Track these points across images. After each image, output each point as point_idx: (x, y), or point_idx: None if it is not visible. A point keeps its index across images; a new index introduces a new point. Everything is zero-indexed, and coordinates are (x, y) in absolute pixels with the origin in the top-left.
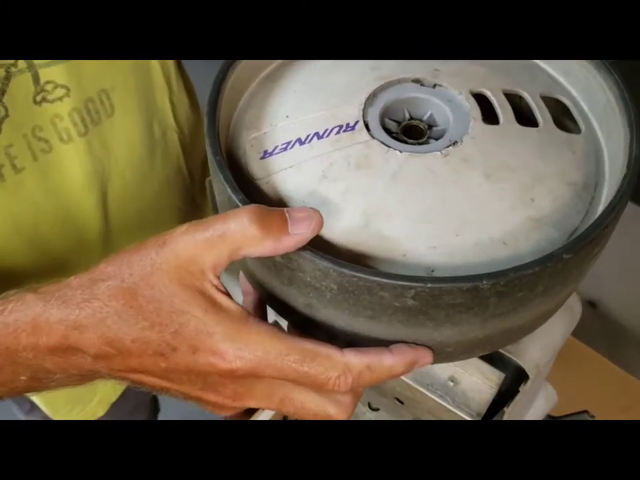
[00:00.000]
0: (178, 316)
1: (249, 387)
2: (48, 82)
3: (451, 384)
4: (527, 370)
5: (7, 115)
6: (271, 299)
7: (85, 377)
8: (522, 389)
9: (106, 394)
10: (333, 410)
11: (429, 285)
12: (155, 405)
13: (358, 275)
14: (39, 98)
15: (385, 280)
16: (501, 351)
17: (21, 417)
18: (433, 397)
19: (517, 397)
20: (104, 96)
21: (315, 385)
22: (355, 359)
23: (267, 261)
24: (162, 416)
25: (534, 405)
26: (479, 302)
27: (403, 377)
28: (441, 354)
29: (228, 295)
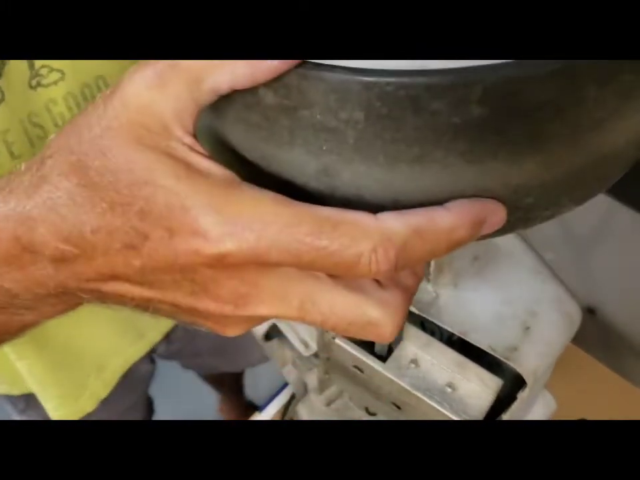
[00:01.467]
0: (140, 189)
1: (253, 284)
2: (43, 66)
3: (449, 390)
4: (524, 377)
5: (3, 99)
6: (264, 182)
7: (57, 300)
8: (520, 395)
9: (96, 390)
10: (375, 312)
11: (503, 72)
12: (149, 405)
13: (397, 79)
14: (34, 82)
15: (439, 79)
16: (498, 357)
17: (14, 416)
18: (430, 402)
19: (515, 404)
20: (101, 82)
21: (341, 269)
22: (396, 223)
23: (251, 112)
24: (158, 417)
25: (532, 412)
26: (576, 98)
27: (400, 382)
28: (517, 210)
29: (208, 157)
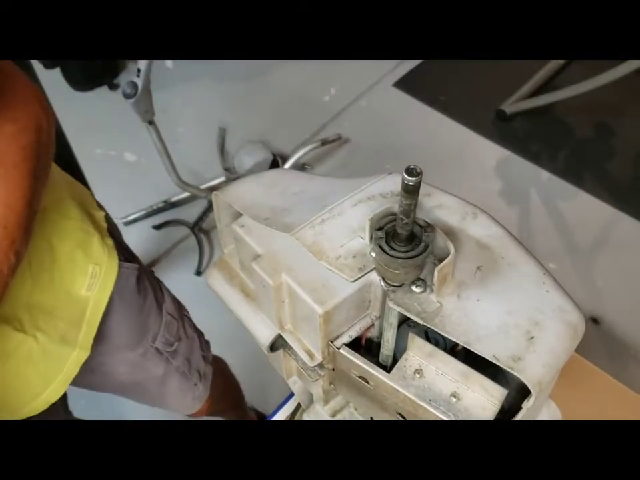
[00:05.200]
0: None
1: None
2: None
3: (454, 400)
4: (529, 386)
5: None
6: None
7: None
8: (525, 405)
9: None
10: None
11: None
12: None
13: None
14: None
15: None
16: (503, 367)
17: None
18: (435, 412)
19: (520, 414)
20: None
21: None
22: None
23: None
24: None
25: None
26: None
27: (405, 392)
28: None
29: None
